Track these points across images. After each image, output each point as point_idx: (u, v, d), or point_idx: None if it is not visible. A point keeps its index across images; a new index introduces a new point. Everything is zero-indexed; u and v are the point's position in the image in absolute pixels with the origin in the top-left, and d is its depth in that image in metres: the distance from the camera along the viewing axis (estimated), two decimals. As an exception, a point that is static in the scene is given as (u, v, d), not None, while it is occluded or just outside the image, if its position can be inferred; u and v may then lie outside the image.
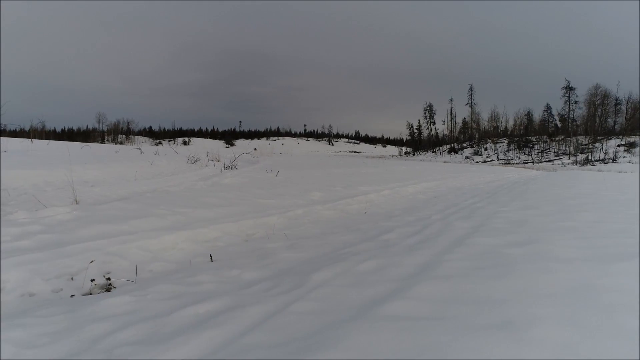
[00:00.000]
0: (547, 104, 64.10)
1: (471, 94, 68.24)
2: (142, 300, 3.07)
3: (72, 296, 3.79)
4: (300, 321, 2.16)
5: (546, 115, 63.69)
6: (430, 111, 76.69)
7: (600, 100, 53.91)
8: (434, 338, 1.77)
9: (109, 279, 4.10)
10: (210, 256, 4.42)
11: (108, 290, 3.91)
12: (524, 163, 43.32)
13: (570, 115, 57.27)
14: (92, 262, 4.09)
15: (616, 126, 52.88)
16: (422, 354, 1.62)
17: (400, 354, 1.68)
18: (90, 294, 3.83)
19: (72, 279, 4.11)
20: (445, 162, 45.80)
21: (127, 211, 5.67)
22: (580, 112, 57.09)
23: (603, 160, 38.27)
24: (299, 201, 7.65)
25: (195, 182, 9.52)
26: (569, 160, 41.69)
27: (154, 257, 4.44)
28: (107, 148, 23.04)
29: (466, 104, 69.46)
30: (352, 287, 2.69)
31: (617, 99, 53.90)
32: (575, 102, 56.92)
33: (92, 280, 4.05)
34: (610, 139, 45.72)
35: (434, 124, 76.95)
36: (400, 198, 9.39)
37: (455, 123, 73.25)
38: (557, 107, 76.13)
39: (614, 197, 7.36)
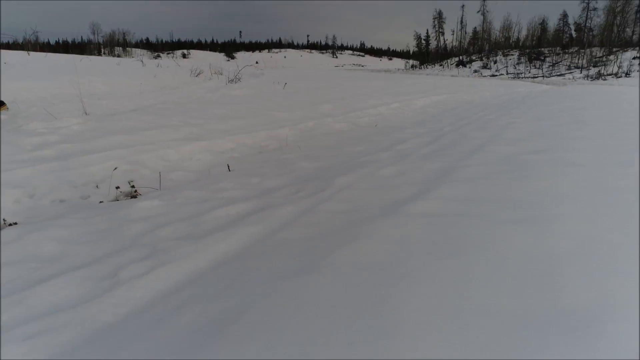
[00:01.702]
0: (564, 11, 60.85)
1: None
2: (171, 204, 3.21)
3: (100, 202, 3.96)
4: (331, 218, 2.28)
5: (561, 25, 60.63)
6: (439, 19, 72.83)
7: (621, 7, 50.75)
8: (463, 230, 1.89)
9: (133, 186, 4.24)
10: (228, 166, 4.52)
11: (134, 197, 4.06)
12: (533, 77, 41.98)
13: (587, 24, 54.45)
14: (115, 169, 4.21)
15: (634, 36, 50.37)
16: (454, 243, 1.74)
17: (433, 244, 1.81)
18: (117, 200, 3.99)
19: (97, 186, 4.26)
20: (452, 76, 44.41)
21: (141, 122, 5.69)
22: (598, 20, 54.29)
23: (616, 75, 36.99)
24: (310, 114, 7.61)
25: (204, 94, 9.40)
26: (581, 75, 40.29)
27: (173, 167, 4.56)
28: (108, 60, 22.35)
29: (478, 12, 65.71)
30: (376, 190, 2.80)
31: (639, 6, 50.76)
32: (594, 9, 53.88)
33: (117, 187, 4.20)
34: (626, 50, 43.81)
35: (443, 34, 73.50)
36: (410, 111, 9.31)
37: (466, 33, 70.01)
38: (575, 15, 71.95)
39: (625, 107, 7.28)
